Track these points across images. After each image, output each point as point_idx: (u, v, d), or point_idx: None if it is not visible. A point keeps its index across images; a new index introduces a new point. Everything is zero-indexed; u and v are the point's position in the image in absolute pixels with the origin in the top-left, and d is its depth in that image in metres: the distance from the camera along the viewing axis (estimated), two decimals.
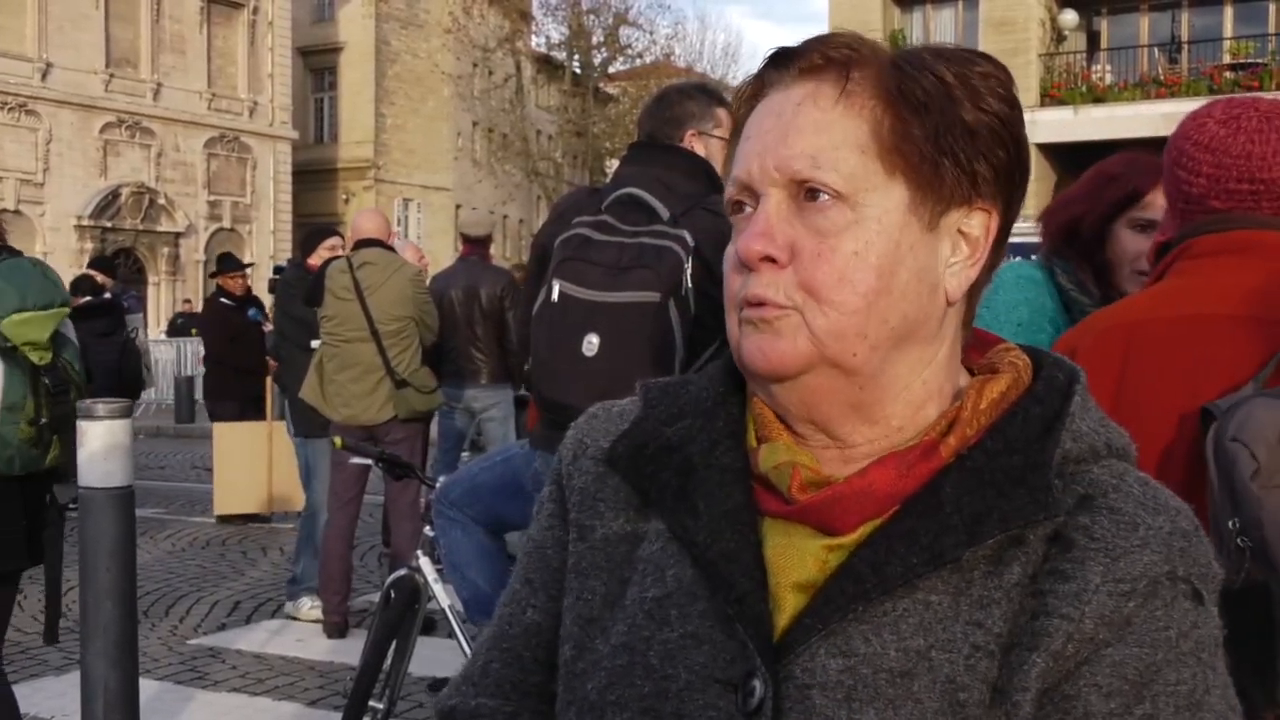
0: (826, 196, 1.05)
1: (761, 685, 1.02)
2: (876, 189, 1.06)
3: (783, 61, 1.12)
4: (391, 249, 7.20)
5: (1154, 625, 1.00)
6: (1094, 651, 0.99)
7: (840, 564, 1.05)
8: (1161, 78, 26.89)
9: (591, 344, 3.20)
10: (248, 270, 11.68)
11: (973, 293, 1.13)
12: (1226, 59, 26.88)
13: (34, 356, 3.70)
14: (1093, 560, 1.01)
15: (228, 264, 11.37)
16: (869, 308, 1.05)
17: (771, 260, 1.06)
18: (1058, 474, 1.05)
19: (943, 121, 1.06)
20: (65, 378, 3.80)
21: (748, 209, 1.10)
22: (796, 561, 1.07)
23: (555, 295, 3.27)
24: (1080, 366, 1.14)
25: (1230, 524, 1.68)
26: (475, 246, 8.70)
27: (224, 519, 10.87)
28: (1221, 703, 1.02)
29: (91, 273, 11.44)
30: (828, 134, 1.06)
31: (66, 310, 3.85)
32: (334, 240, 7.96)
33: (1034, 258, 3.05)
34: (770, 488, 1.10)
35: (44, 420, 3.73)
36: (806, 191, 1.06)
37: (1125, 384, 1.97)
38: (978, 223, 1.10)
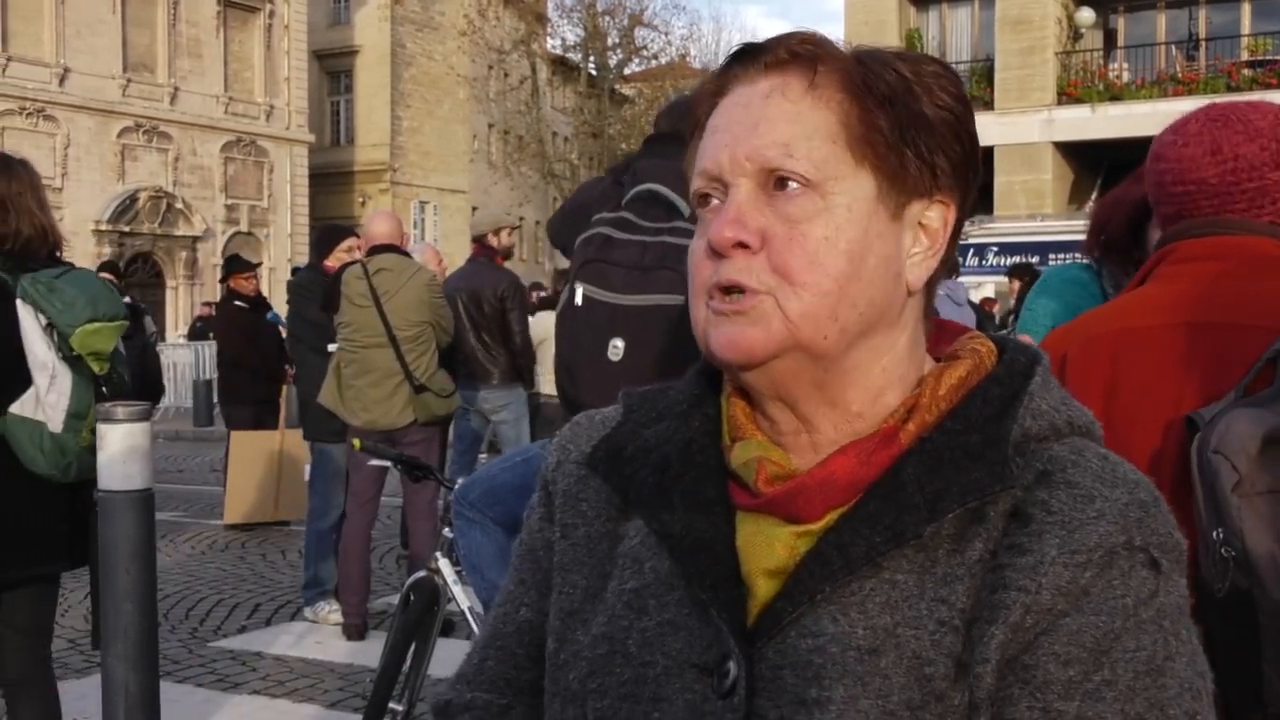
0: (796, 185, 1.08)
1: (736, 668, 1.06)
2: (845, 178, 1.09)
3: (747, 58, 1.15)
4: (406, 254, 7.19)
5: (1111, 594, 1.02)
6: (1052, 622, 1.01)
7: (808, 549, 1.08)
8: (1179, 75, 26.77)
9: (617, 348, 3.18)
10: (257, 270, 11.65)
11: (930, 284, 1.16)
12: (1245, 56, 26.74)
13: (95, 366, 3.78)
14: (1049, 533, 1.03)
15: (237, 265, 11.35)
16: (840, 290, 1.08)
17: (744, 246, 1.08)
18: (1018, 451, 1.08)
19: (906, 114, 1.10)
20: (120, 388, 3.87)
21: (714, 201, 1.13)
22: (767, 549, 1.10)
23: (579, 299, 3.26)
24: (1046, 352, 1.17)
25: (1215, 534, 1.70)
26: (482, 247, 8.73)
27: (232, 526, 10.88)
28: (1187, 669, 1.03)
29: (109, 276, 11.46)
30: (799, 124, 1.09)
31: (127, 323, 3.92)
32: (351, 241, 7.86)
33: (1082, 258, 3.05)
34: (743, 482, 1.14)
35: None
36: (776, 181, 1.09)
37: (1115, 393, 1.99)
38: (936, 215, 1.14)
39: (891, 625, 1.03)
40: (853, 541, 1.05)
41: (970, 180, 1.15)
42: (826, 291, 1.07)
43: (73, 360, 3.73)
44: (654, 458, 1.19)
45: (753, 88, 1.12)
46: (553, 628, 1.21)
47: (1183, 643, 1.04)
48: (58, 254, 3.96)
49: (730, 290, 1.09)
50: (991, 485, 1.04)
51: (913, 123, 1.10)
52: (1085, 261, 3.03)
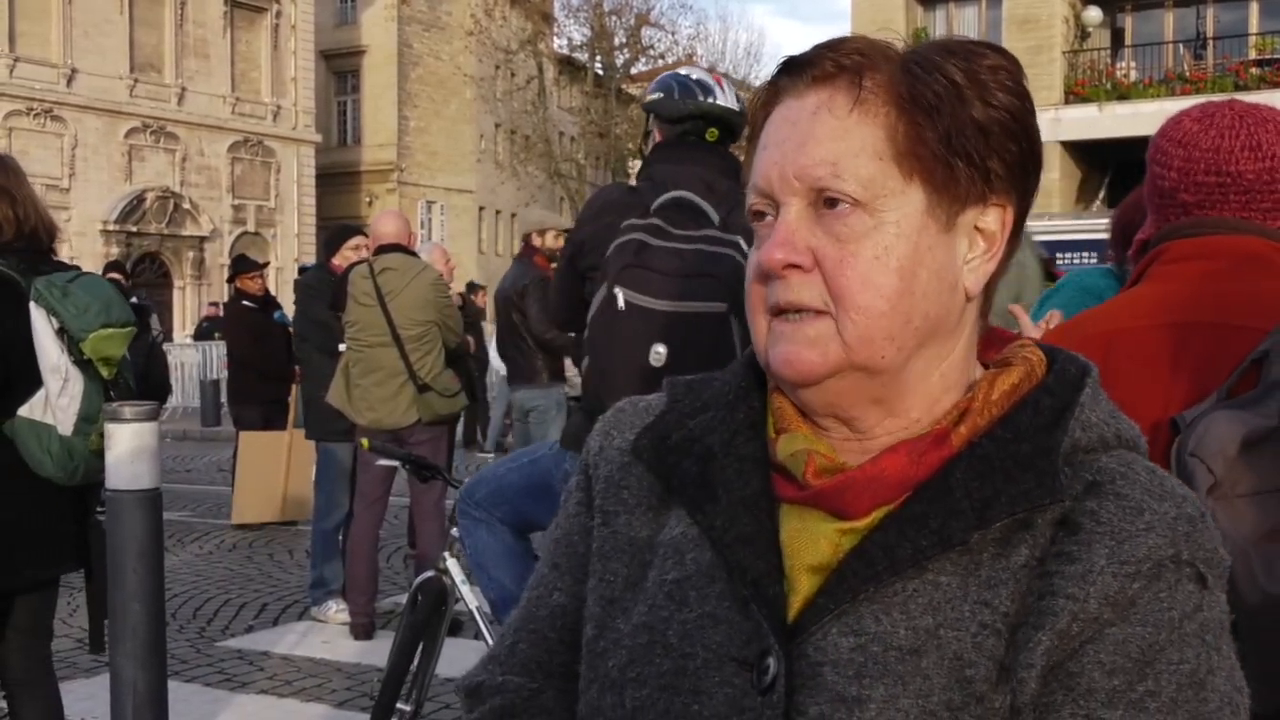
0: (845, 204, 1.08)
1: (775, 663, 1.06)
2: (894, 194, 1.09)
3: (795, 70, 1.14)
4: (413, 253, 7.20)
5: (1158, 606, 1.02)
6: (1098, 630, 1.02)
7: (853, 547, 1.08)
8: (1187, 74, 26.73)
9: (659, 354, 3.16)
10: (264, 270, 11.65)
11: (989, 285, 1.16)
12: (1252, 54, 26.70)
13: (104, 371, 3.78)
14: (1098, 543, 1.03)
15: (244, 265, 11.35)
16: (893, 310, 1.08)
17: (796, 267, 1.09)
18: (1067, 461, 1.08)
19: (954, 123, 1.09)
20: (125, 393, 3.88)
21: (768, 217, 1.13)
22: (810, 545, 1.10)
23: (621, 303, 3.23)
24: (1095, 365, 1.18)
25: None
26: (528, 246, 9.09)
27: (239, 525, 10.88)
28: (1226, 684, 1.04)
29: (117, 276, 11.47)
30: (845, 141, 1.09)
31: (136, 329, 3.92)
32: (358, 239, 7.85)
33: (1104, 263, 3.03)
34: (788, 475, 1.14)
35: None
36: (826, 199, 1.09)
37: (1108, 394, 1.97)
38: (993, 218, 1.14)
39: (933, 626, 1.03)
40: (898, 543, 1.05)
41: (1030, 176, 1.14)
42: (881, 313, 1.08)
43: (83, 364, 3.73)
44: (698, 448, 1.19)
45: (801, 102, 1.12)
46: (592, 614, 1.21)
47: (1224, 658, 1.05)
48: (54, 249, 3.96)
49: (787, 311, 1.10)
50: (1041, 496, 1.05)
51: (962, 130, 1.09)
52: (1106, 265, 3.01)
